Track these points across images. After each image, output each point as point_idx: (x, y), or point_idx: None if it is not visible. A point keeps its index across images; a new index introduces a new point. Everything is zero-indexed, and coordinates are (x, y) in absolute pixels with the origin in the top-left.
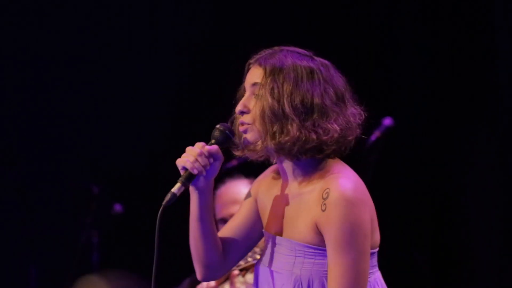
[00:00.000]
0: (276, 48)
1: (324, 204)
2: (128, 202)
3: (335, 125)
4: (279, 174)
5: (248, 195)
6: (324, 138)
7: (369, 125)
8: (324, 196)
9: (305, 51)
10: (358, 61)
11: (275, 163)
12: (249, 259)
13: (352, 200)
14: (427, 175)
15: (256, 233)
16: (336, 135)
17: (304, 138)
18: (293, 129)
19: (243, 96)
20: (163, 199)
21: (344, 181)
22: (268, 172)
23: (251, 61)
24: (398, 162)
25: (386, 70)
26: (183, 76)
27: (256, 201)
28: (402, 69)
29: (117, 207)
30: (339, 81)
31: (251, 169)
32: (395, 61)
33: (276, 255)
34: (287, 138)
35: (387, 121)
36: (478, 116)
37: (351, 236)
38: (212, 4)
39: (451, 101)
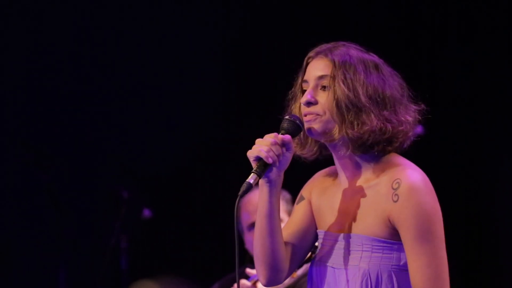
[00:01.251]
0: (333, 42)
1: (396, 194)
2: (157, 207)
3: (407, 116)
4: (332, 175)
5: (301, 198)
6: (400, 128)
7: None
8: (395, 186)
9: (362, 48)
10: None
11: (346, 153)
12: None
13: (424, 188)
14: (457, 183)
15: (312, 235)
16: (408, 126)
17: (382, 129)
18: (370, 119)
19: (301, 91)
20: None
21: (412, 171)
22: (318, 176)
23: (311, 54)
24: (428, 169)
25: (417, 78)
26: (215, 82)
27: (310, 204)
28: (433, 77)
29: (147, 212)
30: (398, 76)
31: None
32: (425, 70)
33: (339, 252)
34: (366, 128)
35: (418, 129)
36: (510, 125)
37: (430, 224)
38: (255, 3)
39: (483, 109)
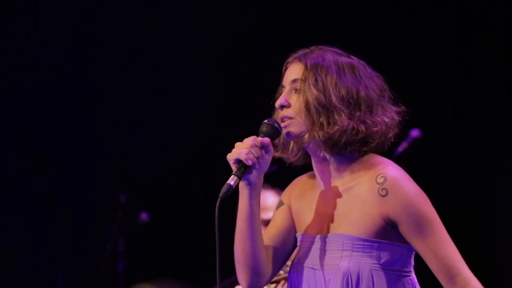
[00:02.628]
0: (313, 47)
1: (384, 189)
2: (154, 211)
3: (384, 117)
4: (311, 179)
5: (280, 204)
6: (374, 129)
7: (397, 136)
8: (380, 180)
9: (342, 51)
10: (385, 73)
11: (320, 154)
12: (281, 272)
13: (408, 178)
14: (454, 186)
15: (293, 239)
16: (384, 127)
17: (353, 129)
18: (341, 119)
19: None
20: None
21: (392, 166)
22: (297, 181)
23: (289, 59)
24: (425, 173)
25: (414, 80)
26: (213, 86)
27: (289, 208)
28: (431, 80)
29: (144, 216)
30: (378, 78)
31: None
32: (423, 72)
33: (318, 253)
34: (336, 127)
35: (415, 133)
36: (508, 128)
37: (428, 207)
38: (254, 4)
39: (479, 112)
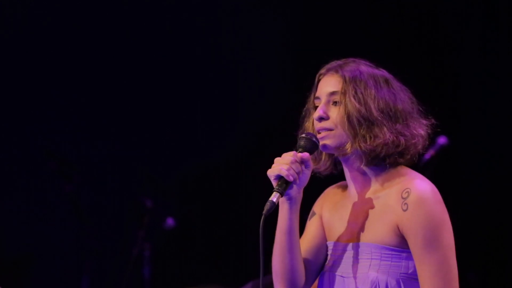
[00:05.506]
0: (345, 59)
1: (405, 203)
2: (180, 217)
3: (420, 130)
4: (342, 189)
5: (312, 214)
6: (412, 141)
7: (425, 148)
8: (404, 195)
9: (371, 63)
10: (412, 82)
11: (360, 166)
12: None
13: (433, 198)
14: (481, 194)
15: (325, 250)
16: (421, 140)
17: (394, 142)
18: (383, 132)
19: (313, 107)
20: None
21: (421, 181)
22: (328, 190)
23: (322, 71)
24: (451, 181)
25: (442, 89)
26: (243, 95)
27: (321, 218)
28: (458, 87)
29: (170, 221)
30: (407, 91)
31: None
32: (450, 81)
33: (348, 262)
34: (379, 141)
35: (442, 140)
36: None
37: (438, 233)
38: (299, 18)
39: (507, 120)
